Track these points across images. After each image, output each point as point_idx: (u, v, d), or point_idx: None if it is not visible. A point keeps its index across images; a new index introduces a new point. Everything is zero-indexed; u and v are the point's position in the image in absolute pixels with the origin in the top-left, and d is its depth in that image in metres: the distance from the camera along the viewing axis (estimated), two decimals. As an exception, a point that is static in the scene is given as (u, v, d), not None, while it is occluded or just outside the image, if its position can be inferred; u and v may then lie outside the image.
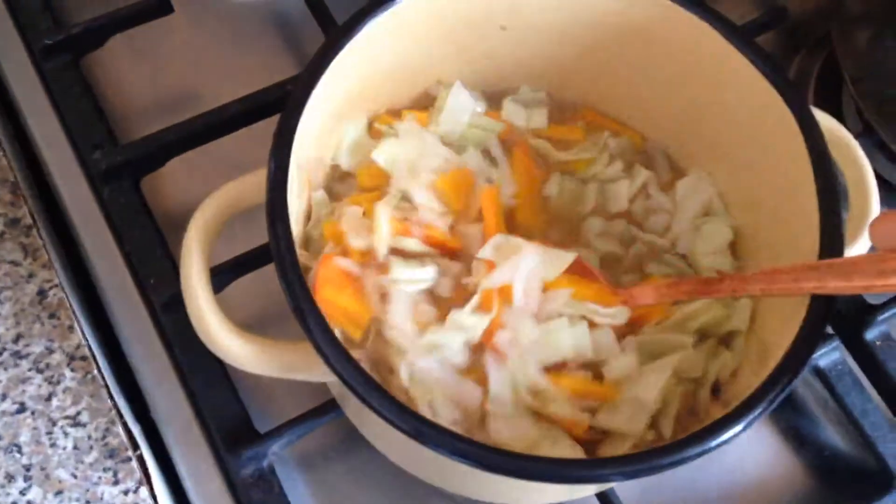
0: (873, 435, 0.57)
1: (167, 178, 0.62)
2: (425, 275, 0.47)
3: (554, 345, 0.45)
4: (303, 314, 0.39)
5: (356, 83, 0.48)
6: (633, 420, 0.45)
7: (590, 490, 0.51)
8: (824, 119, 0.47)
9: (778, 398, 0.40)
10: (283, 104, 0.60)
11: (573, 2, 0.49)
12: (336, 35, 0.45)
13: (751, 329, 0.48)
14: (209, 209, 0.43)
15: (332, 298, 0.45)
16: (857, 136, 0.63)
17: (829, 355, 0.59)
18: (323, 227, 0.48)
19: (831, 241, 0.41)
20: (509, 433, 0.43)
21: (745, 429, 0.40)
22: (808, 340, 0.41)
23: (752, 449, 0.60)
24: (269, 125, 0.61)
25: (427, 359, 0.44)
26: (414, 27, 0.48)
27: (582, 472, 0.38)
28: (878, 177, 0.67)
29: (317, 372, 0.42)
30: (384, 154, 0.49)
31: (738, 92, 0.47)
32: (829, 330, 0.60)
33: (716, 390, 0.48)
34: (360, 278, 0.46)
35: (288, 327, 0.59)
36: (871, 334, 0.59)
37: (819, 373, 0.59)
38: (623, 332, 0.48)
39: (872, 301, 0.60)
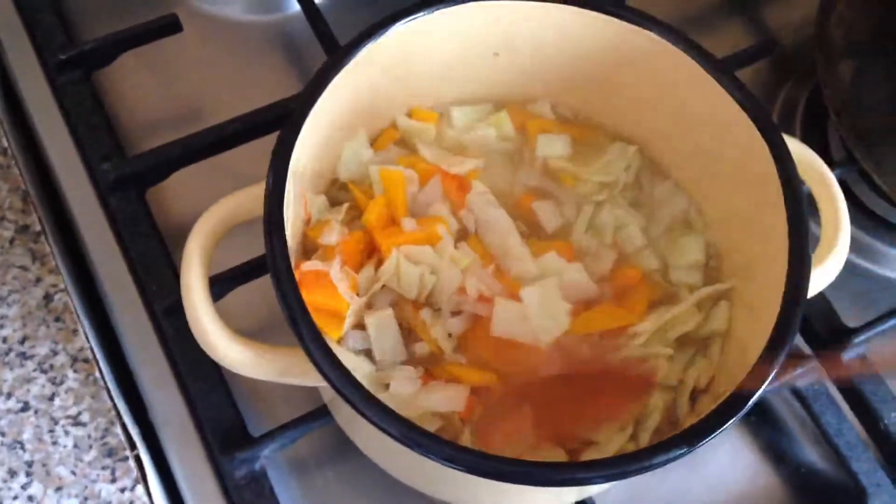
0: (847, 454, 0.58)
1: (172, 190, 0.65)
2: None
3: None
4: (296, 322, 0.41)
5: (355, 101, 0.50)
6: None
7: (570, 497, 0.53)
8: (799, 148, 0.49)
9: (747, 405, 0.41)
10: (283, 122, 0.63)
11: (562, 34, 0.52)
12: (336, 56, 0.47)
13: (729, 336, 0.50)
14: (209, 220, 0.45)
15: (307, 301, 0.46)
16: (840, 165, 0.66)
17: (807, 376, 0.61)
18: (307, 231, 0.50)
19: (799, 263, 0.44)
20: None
21: (713, 436, 0.41)
22: (776, 350, 0.42)
23: (732, 465, 0.61)
24: (270, 141, 0.62)
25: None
26: (412, 51, 0.50)
27: (558, 474, 0.40)
28: (860, 204, 0.70)
29: (310, 377, 0.44)
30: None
31: (717, 118, 0.49)
32: (808, 351, 0.62)
33: (693, 399, 0.50)
34: (328, 273, 0.48)
35: (283, 336, 0.61)
36: (848, 356, 0.61)
37: (797, 393, 0.61)
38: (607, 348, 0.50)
39: (850, 324, 0.62)
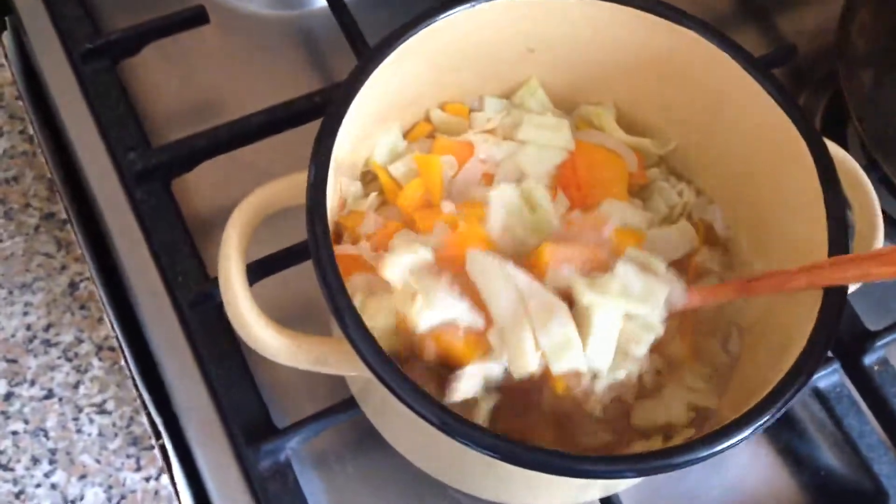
0: (869, 456, 0.59)
1: (195, 183, 0.65)
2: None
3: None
4: (339, 311, 0.41)
5: (392, 93, 0.50)
6: None
7: (595, 494, 0.53)
8: (832, 148, 0.49)
9: (783, 408, 0.41)
10: (308, 116, 0.64)
11: (598, 30, 0.52)
12: (376, 49, 0.47)
13: (756, 346, 0.50)
14: (248, 206, 0.45)
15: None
16: (860, 172, 0.66)
17: (829, 378, 0.61)
18: (340, 219, 0.51)
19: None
20: None
21: (749, 436, 0.41)
22: (812, 357, 0.42)
23: (751, 467, 0.62)
24: (293, 135, 0.64)
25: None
26: (450, 44, 0.50)
27: (594, 466, 0.40)
28: (882, 211, 0.70)
29: (347, 365, 0.43)
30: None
31: (753, 118, 0.50)
32: (830, 354, 0.62)
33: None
34: (360, 255, 0.48)
35: (305, 330, 0.61)
36: (869, 359, 0.61)
37: (818, 395, 0.61)
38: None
39: (872, 328, 0.62)
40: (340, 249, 0.48)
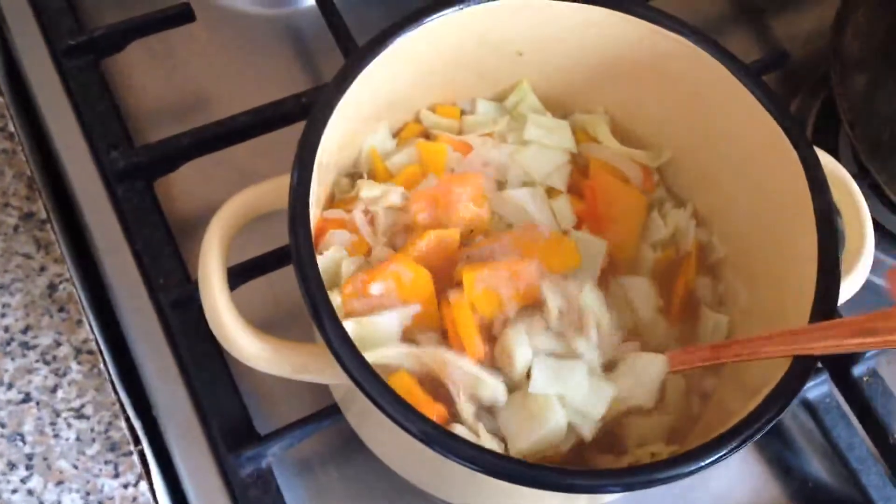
0: (858, 467, 0.58)
1: (178, 183, 0.64)
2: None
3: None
4: (320, 317, 0.40)
5: (379, 94, 0.49)
6: None
7: (582, 505, 0.53)
8: (822, 157, 0.49)
9: (764, 428, 0.41)
10: (295, 117, 0.63)
11: (588, 32, 0.51)
12: (367, 48, 0.46)
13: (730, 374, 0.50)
14: (229, 210, 0.44)
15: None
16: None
17: (818, 389, 0.60)
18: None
19: (828, 273, 0.43)
20: None
21: (729, 454, 0.40)
22: (799, 375, 0.42)
23: (739, 478, 0.61)
24: (279, 136, 0.63)
25: None
26: (438, 46, 0.50)
27: (577, 481, 0.39)
28: (871, 220, 0.69)
29: (328, 374, 0.43)
30: None
31: (744, 126, 0.49)
32: (819, 364, 0.62)
33: None
34: (345, 220, 0.49)
35: (289, 334, 0.60)
36: (858, 370, 0.61)
37: (807, 405, 0.61)
38: None
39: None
40: (330, 213, 0.49)
